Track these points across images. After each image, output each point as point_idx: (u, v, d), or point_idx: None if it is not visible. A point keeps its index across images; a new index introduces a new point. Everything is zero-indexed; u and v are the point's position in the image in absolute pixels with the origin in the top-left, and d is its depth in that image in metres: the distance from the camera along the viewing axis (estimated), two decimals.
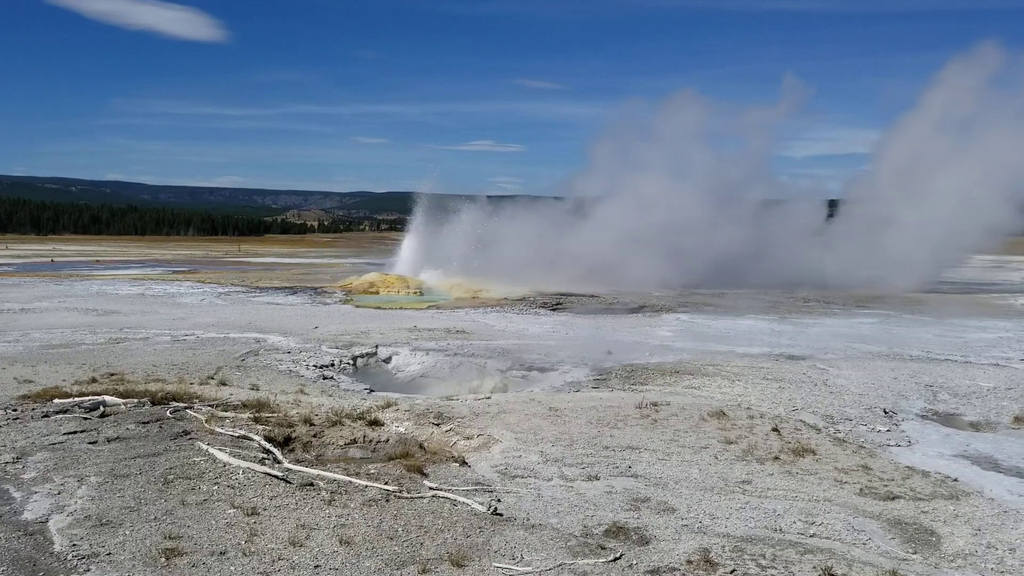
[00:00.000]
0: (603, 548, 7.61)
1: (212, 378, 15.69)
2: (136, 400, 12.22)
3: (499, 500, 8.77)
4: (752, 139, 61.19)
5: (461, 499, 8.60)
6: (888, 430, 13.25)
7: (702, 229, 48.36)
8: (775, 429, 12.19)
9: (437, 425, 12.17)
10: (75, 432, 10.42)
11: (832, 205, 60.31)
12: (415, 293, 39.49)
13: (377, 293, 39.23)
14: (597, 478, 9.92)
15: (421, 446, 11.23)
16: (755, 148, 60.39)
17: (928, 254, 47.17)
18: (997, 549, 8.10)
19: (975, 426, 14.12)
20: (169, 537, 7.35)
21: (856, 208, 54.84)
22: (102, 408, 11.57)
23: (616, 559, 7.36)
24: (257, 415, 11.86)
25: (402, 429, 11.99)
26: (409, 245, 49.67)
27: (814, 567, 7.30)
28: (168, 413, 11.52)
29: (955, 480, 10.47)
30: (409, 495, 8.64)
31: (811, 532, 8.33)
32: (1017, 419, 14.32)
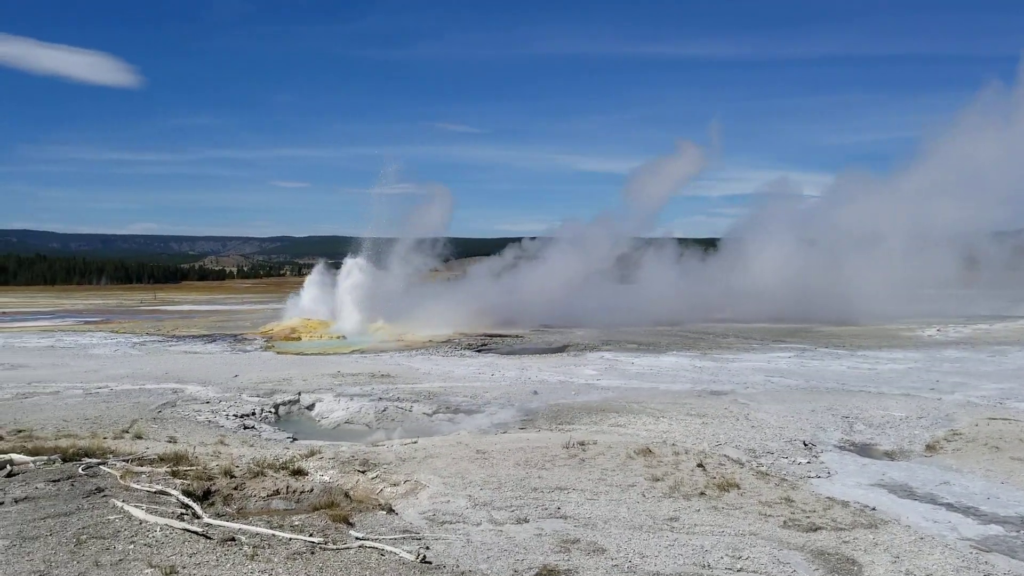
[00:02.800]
0: None
1: (127, 432, 15.16)
2: (46, 457, 11.68)
3: (428, 548, 8.64)
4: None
5: (389, 548, 8.44)
6: (808, 462, 13.57)
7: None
8: (700, 465, 12.35)
9: (363, 472, 11.96)
10: None
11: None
12: (338, 337, 39.02)
13: (299, 339, 38.66)
14: (526, 521, 9.87)
15: (347, 495, 11.01)
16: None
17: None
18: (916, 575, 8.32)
19: (890, 455, 14.57)
20: None
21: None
22: (9, 467, 11.02)
23: None
24: (175, 469, 11.47)
25: (327, 478, 11.75)
26: (327, 289, 49.21)
27: None
28: (80, 470, 11.04)
29: (873, 509, 10.77)
30: (335, 546, 8.45)
31: (738, 567, 8.42)
32: (929, 447, 14.83)
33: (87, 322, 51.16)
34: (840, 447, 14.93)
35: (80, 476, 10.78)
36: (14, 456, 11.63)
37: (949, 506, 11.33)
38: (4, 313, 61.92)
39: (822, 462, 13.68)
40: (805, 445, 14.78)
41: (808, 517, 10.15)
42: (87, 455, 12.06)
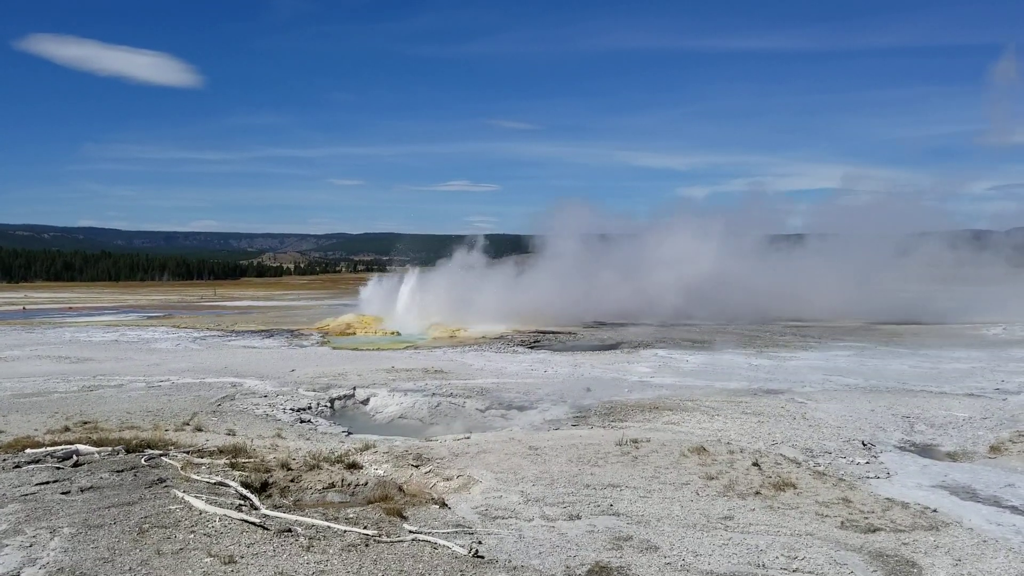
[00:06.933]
0: None
1: (188, 424, 15.50)
2: (110, 448, 12.03)
3: (480, 542, 8.68)
4: None
5: (442, 542, 8.50)
6: (867, 462, 13.31)
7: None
8: (755, 463, 12.20)
9: (416, 467, 12.07)
10: (47, 482, 10.23)
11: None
12: (392, 333, 39.37)
13: (354, 334, 39.10)
14: (579, 517, 9.85)
15: (400, 488, 11.12)
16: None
17: None
18: None
19: (952, 456, 14.20)
20: None
21: None
22: (75, 457, 11.38)
23: None
24: (234, 461, 11.71)
25: (381, 472, 11.88)
26: (379, 287, 49.80)
27: None
28: (143, 461, 11.34)
29: (934, 511, 10.50)
30: (389, 539, 8.54)
31: (794, 567, 8.30)
32: (993, 448, 14.42)
33: (150, 317, 52.44)
34: (900, 447, 14.61)
35: (143, 467, 11.07)
36: (80, 447, 11.99)
37: (1014, 509, 10.99)
38: (71, 309, 63.74)
39: (881, 462, 13.40)
40: (864, 445, 14.49)
41: (866, 518, 9.95)
42: (149, 446, 12.38)
